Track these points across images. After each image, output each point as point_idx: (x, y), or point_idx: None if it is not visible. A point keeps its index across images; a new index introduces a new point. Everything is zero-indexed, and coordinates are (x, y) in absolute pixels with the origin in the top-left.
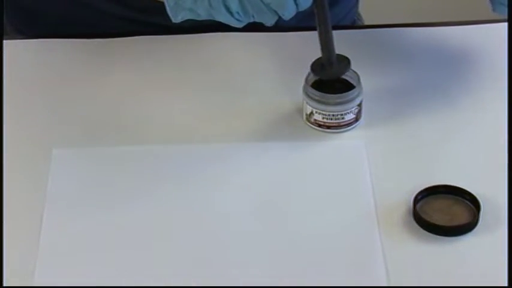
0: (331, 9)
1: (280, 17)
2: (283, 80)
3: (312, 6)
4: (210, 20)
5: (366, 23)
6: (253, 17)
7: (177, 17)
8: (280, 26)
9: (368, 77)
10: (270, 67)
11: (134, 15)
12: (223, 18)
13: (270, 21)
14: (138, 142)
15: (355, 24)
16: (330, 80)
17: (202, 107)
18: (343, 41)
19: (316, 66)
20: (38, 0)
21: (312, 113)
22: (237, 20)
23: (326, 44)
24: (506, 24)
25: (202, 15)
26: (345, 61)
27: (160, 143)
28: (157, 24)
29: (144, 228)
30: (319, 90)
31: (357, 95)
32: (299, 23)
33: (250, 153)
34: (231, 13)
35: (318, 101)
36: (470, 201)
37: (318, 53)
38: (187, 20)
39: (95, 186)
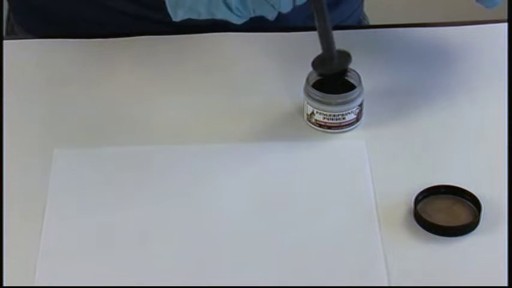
0: (335, 8)
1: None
2: (283, 80)
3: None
4: (212, 19)
5: (371, 23)
6: (253, 11)
7: (177, 16)
8: (281, 26)
9: (369, 77)
10: (271, 67)
11: (147, 13)
12: (223, 15)
13: (270, 14)
14: (139, 142)
15: (360, 24)
16: (331, 75)
17: (203, 107)
18: (343, 41)
19: (317, 62)
20: None
21: (312, 113)
22: (237, 15)
23: (325, 37)
24: (506, 24)
25: (202, 13)
26: (345, 55)
27: (161, 143)
28: (170, 23)
29: (144, 228)
30: (320, 91)
31: (358, 95)
32: (304, 23)
33: (250, 153)
34: (230, 9)
35: (319, 101)
36: (471, 202)
37: (318, 53)
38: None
39: (96, 186)
